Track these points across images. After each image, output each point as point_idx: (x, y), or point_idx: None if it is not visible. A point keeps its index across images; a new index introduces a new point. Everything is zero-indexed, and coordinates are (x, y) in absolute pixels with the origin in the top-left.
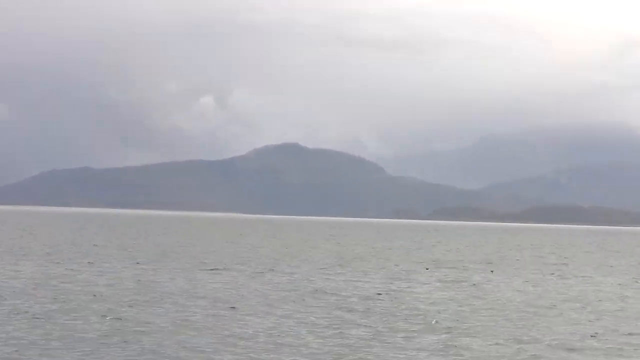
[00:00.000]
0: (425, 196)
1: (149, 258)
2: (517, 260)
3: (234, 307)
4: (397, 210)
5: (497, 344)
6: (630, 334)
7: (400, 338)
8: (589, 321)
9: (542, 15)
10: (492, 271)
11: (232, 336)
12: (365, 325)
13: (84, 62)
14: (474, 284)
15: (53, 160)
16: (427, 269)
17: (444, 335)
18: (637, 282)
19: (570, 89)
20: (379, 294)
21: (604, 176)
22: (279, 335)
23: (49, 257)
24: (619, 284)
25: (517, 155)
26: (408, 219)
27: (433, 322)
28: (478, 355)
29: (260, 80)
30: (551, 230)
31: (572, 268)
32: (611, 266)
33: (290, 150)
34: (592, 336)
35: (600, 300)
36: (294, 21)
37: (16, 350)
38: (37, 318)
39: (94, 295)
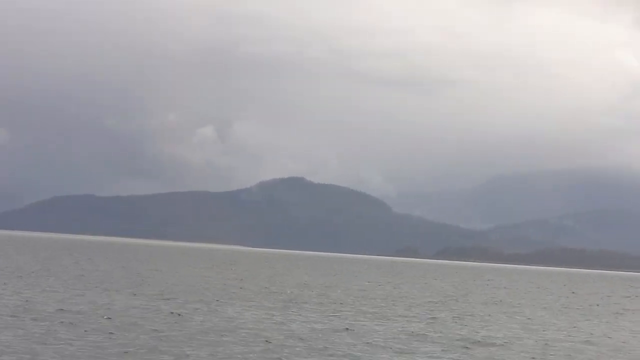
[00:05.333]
0: (430, 235)
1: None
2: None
3: None
4: (402, 248)
5: None
6: None
7: None
8: None
9: (551, 57)
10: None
11: None
12: None
13: (86, 91)
14: None
15: (56, 187)
16: None
17: None
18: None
19: (577, 132)
20: None
21: (611, 220)
22: None
23: None
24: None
25: (523, 197)
26: (412, 257)
27: None
28: None
29: (262, 113)
30: (553, 274)
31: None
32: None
33: (296, 185)
34: None
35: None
36: (299, 55)
37: None
38: None
39: None
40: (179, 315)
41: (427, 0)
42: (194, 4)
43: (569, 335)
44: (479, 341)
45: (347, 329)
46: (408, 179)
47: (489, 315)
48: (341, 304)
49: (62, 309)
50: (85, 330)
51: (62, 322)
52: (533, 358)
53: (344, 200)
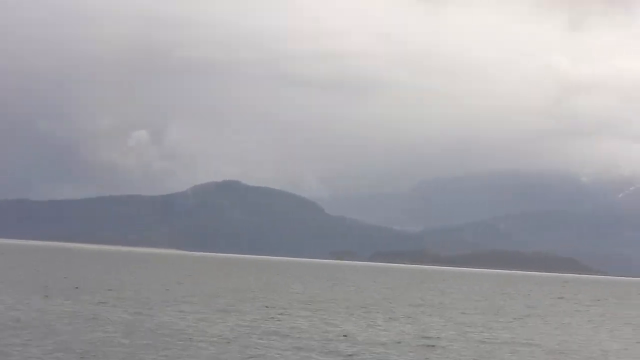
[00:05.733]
0: (364, 238)
1: None
2: None
3: None
4: (336, 251)
5: None
6: None
7: None
8: None
9: (484, 58)
10: None
11: None
12: None
13: (19, 94)
14: None
15: None
16: None
17: None
18: None
19: (510, 134)
20: None
21: (545, 222)
22: None
23: None
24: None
25: (457, 199)
26: (347, 260)
27: None
28: None
29: (196, 116)
30: (489, 276)
31: None
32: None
33: (231, 188)
34: None
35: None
36: (232, 58)
37: None
38: None
39: None
40: (114, 320)
41: (358, 2)
42: (127, 7)
43: (510, 337)
44: (415, 342)
45: (283, 332)
46: (342, 181)
47: (427, 316)
48: (277, 307)
49: None
50: (23, 338)
51: None
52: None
53: (279, 203)
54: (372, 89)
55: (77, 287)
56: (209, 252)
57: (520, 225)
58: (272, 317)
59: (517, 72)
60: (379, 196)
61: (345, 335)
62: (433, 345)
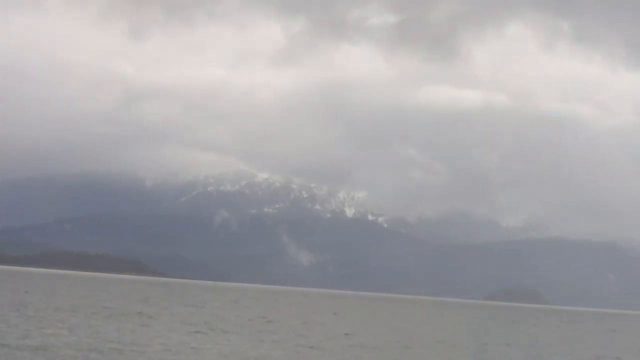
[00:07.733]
0: None
1: None
2: None
3: None
4: None
5: None
6: None
7: None
8: None
9: (46, 64)
10: None
11: None
12: None
13: None
14: None
15: None
16: None
17: None
18: None
19: (76, 137)
20: None
21: (110, 225)
22: None
23: None
24: None
25: (22, 201)
26: None
27: None
28: None
29: None
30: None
31: None
32: None
33: None
34: None
35: None
36: None
37: None
38: None
39: None
40: None
41: None
42: None
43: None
44: None
45: None
46: None
47: None
48: None
49: None
50: None
51: None
52: None
53: None
54: None
55: None
56: None
57: (86, 227)
58: None
59: (81, 77)
60: None
61: None
62: None
